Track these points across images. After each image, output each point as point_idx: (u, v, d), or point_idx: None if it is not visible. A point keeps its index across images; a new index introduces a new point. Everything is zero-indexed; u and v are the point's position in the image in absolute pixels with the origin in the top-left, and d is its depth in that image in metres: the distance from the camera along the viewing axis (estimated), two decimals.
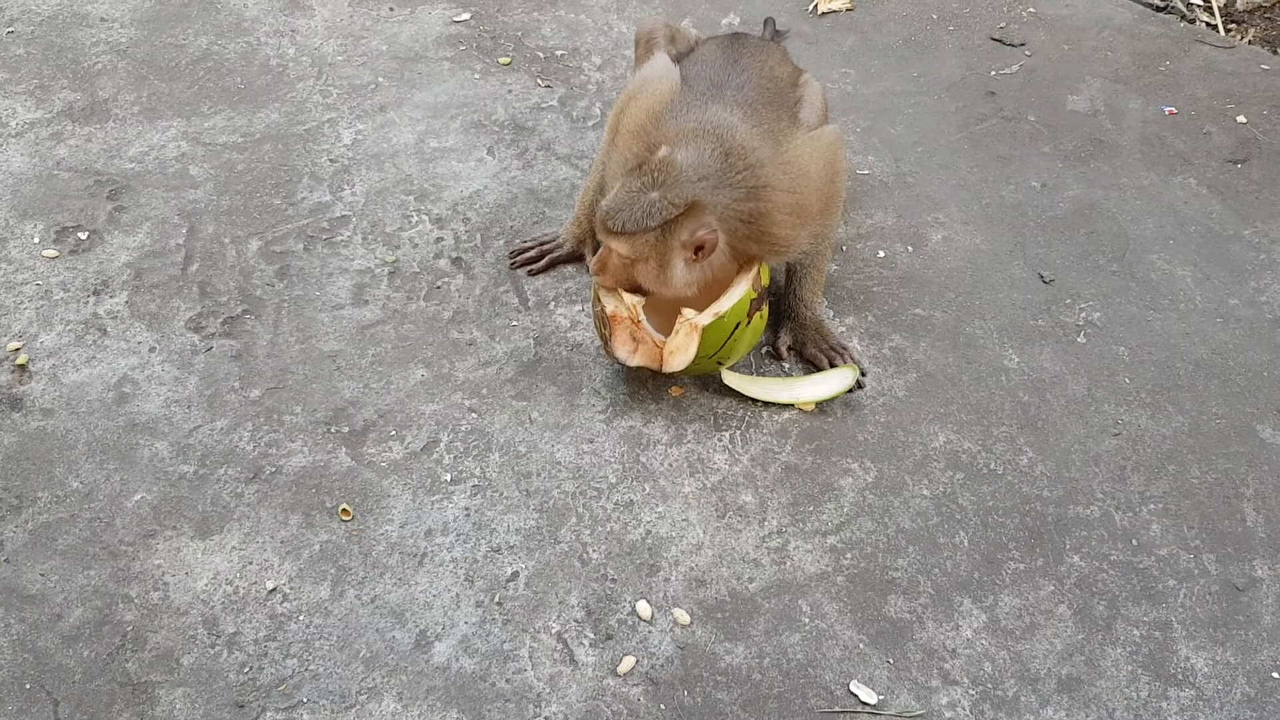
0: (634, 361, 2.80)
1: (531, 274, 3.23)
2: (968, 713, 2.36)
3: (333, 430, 2.82)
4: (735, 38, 3.17)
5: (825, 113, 3.10)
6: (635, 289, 2.78)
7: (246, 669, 2.40)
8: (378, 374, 2.96)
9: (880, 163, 3.62)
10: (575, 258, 3.25)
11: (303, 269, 3.22)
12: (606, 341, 2.81)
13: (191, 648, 2.43)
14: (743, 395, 2.91)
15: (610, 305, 2.77)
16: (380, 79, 3.88)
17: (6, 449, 2.77)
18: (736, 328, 2.74)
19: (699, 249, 2.65)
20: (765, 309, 2.87)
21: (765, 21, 3.54)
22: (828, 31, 4.18)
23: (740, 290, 2.75)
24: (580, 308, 3.14)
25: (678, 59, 3.10)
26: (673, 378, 2.92)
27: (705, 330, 2.71)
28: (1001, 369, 3.00)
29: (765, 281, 2.84)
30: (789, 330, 3.06)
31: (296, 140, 3.63)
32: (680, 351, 2.75)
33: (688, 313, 2.73)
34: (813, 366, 3.00)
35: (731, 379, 2.90)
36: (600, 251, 2.75)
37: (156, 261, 3.24)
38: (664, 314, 2.81)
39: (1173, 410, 2.92)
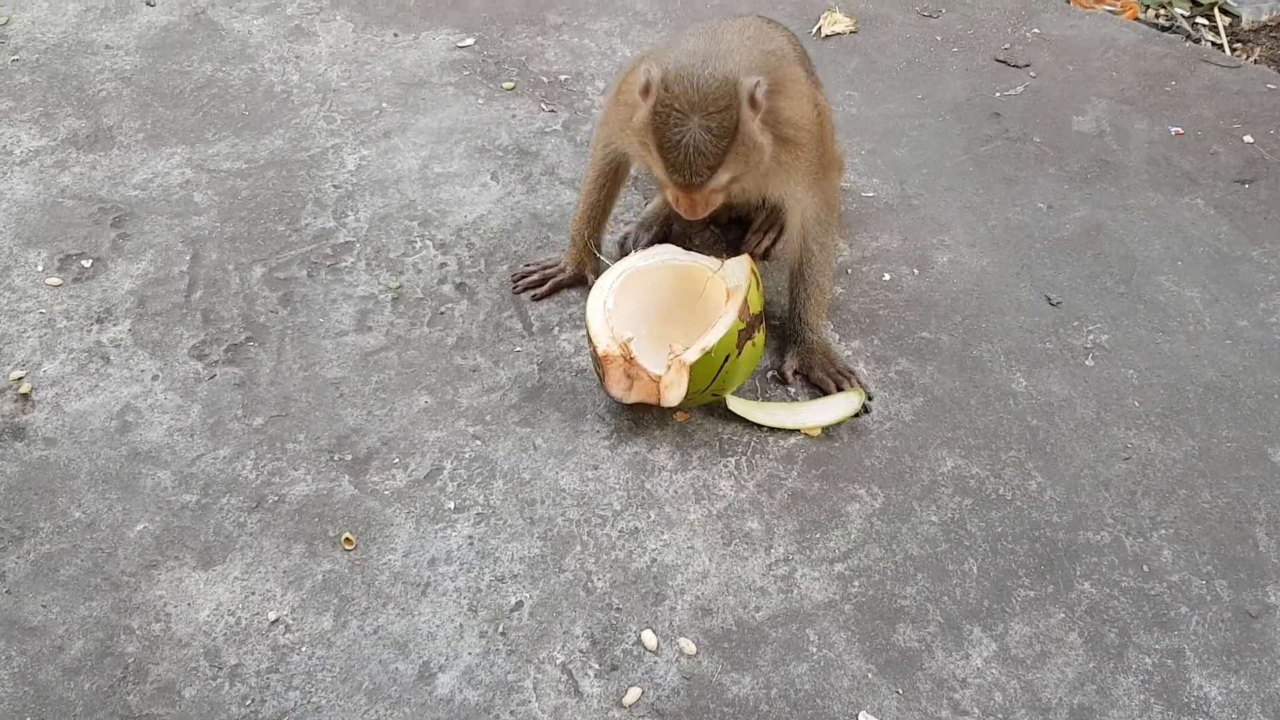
0: (630, 399, 2.80)
1: (535, 299, 3.22)
2: None
3: (336, 458, 2.81)
4: (713, 24, 3.00)
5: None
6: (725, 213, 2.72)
7: (248, 701, 2.38)
8: (381, 401, 2.94)
9: (885, 185, 3.61)
10: (578, 281, 3.24)
11: (306, 295, 3.21)
12: (602, 380, 2.81)
13: (193, 680, 2.41)
14: (748, 421, 2.89)
15: (602, 345, 2.76)
16: (384, 105, 3.89)
17: (9, 479, 2.76)
18: (726, 360, 2.74)
19: (756, 105, 2.53)
20: (760, 335, 2.85)
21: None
22: (831, 54, 4.18)
23: (727, 322, 2.74)
24: (583, 333, 3.12)
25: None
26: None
27: (694, 366, 2.70)
28: (1009, 392, 2.98)
29: (756, 309, 2.82)
30: (795, 354, 3.04)
31: (300, 166, 3.63)
32: (673, 387, 2.74)
33: (676, 348, 2.71)
34: (819, 391, 2.98)
35: (737, 405, 2.89)
36: (686, 200, 2.60)
37: (160, 289, 3.24)
38: (656, 349, 2.82)
39: (1183, 434, 2.89)
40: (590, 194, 3.11)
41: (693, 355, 2.71)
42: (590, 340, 2.78)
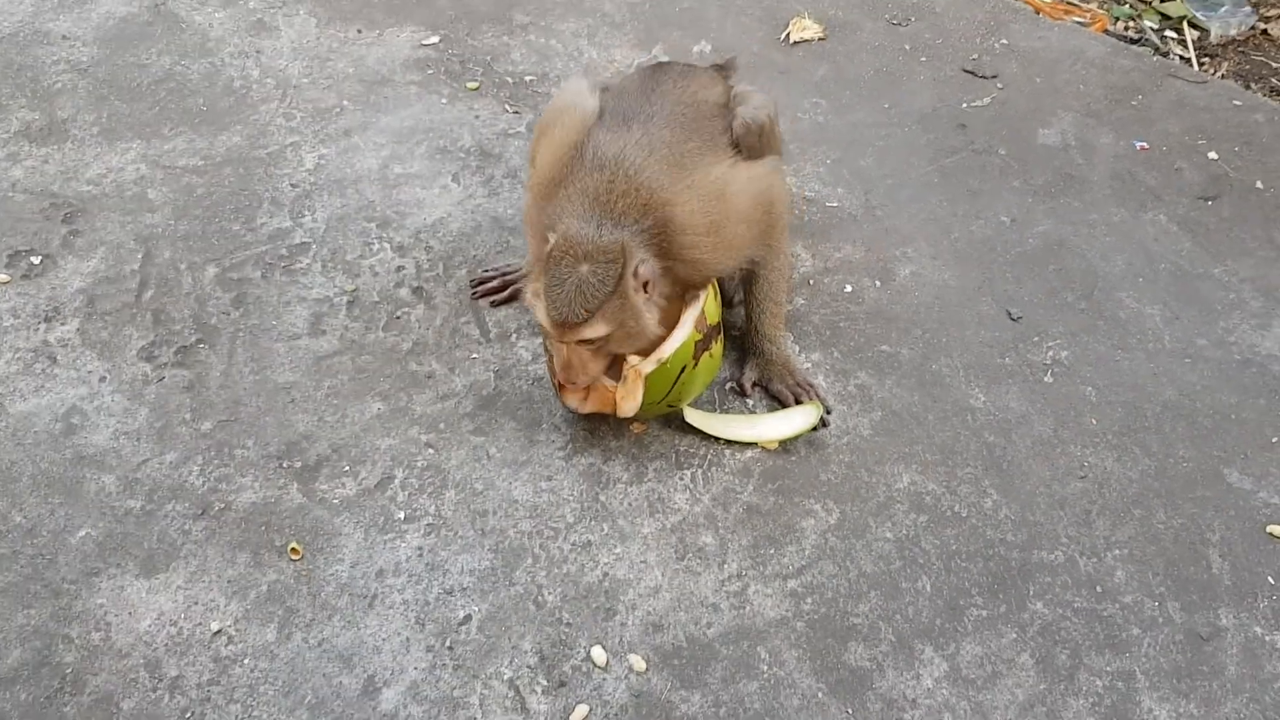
0: (586, 409, 2.78)
1: (494, 305, 3.19)
2: None
3: (284, 465, 2.77)
4: (659, 66, 3.10)
5: (773, 125, 3.02)
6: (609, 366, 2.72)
7: (188, 715, 2.34)
8: (333, 407, 2.91)
9: (850, 195, 3.60)
10: None
11: (260, 297, 3.17)
12: (559, 390, 2.78)
13: (132, 691, 2.37)
14: (705, 433, 2.88)
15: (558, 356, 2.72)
16: (345, 102, 3.84)
17: None
18: (682, 372, 2.72)
19: (645, 285, 2.62)
20: (717, 347, 2.83)
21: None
22: (800, 61, 4.17)
23: (683, 334, 2.72)
24: (540, 340, 3.09)
25: (604, 87, 3.02)
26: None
27: (650, 377, 2.68)
28: (967, 408, 2.98)
29: (714, 319, 2.80)
30: (754, 366, 3.03)
31: (258, 164, 3.59)
32: (629, 397, 2.72)
33: (633, 359, 2.69)
34: (777, 403, 2.97)
35: (694, 417, 2.87)
36: (562, 358, 2.64)
37: (110, 288, 3.18)
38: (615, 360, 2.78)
39: (1139, 453, 2.90)
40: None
41: (648, 366, 2.69)
42: (545, 351, 2.75)
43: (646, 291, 2.62)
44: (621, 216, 2.61)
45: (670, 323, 2.73)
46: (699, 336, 2.74)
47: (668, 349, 2.70)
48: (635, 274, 2.58)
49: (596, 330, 2.58)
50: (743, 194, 2.81)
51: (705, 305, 2.78)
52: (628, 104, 2.87)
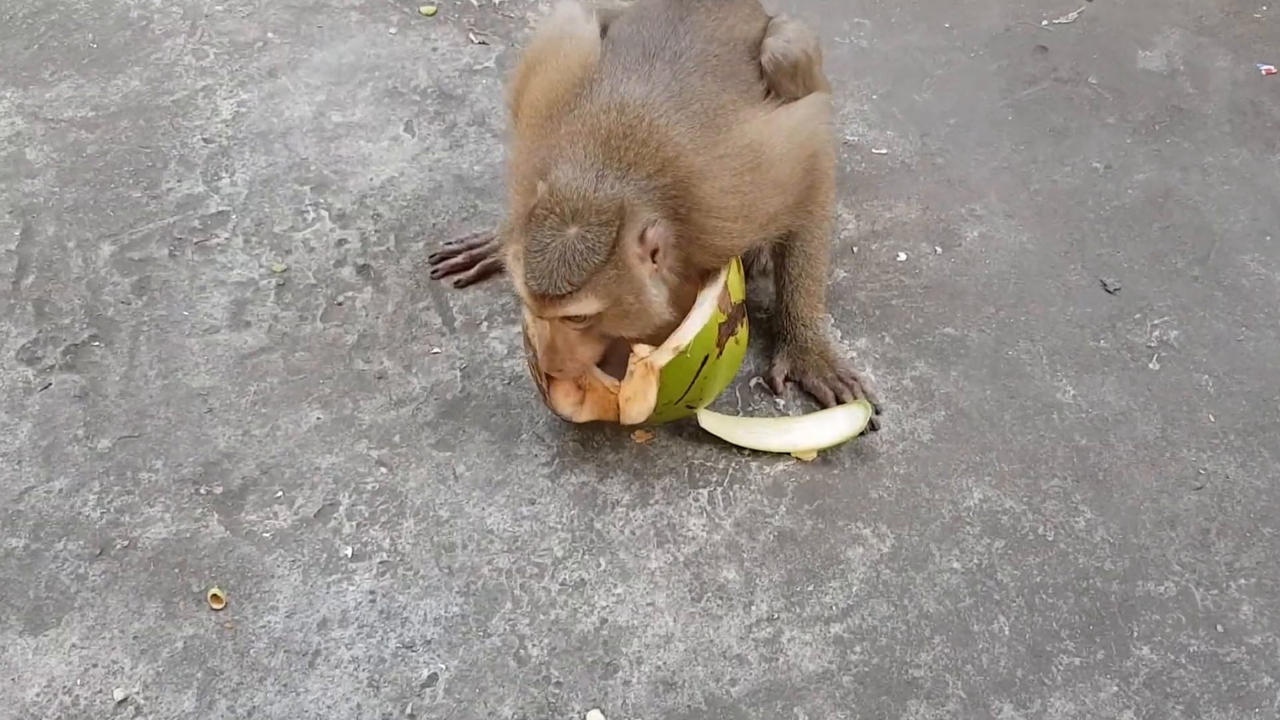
0: (582, 416, 2.78)
1: (459, 285, 3.20)
2: None
3: (202, 491, 2.78)
4: None
5: (812, 64, 3.02)
6: (604, 356, 2.73)
7: None
8: (261, 417, 2.92)
9: (902, 139, 3.60)
10: None
11: (167, 281, 3.18)
12: (545, 394, 2.78)
13: None
14: (725, 441, 2.88)
15: None
16: (270, 34, 3.85)
17: None
18: (705, 363, 2.71)
19: (654, 253, 2.61)
20: (743, 331, 2.83)
21: None
22: None
23: (704, 313, 2.71)
24: (518, 328, 3.10)
25: (605, 17, 2.99)
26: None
27: (665, 371, 2.67)
28: (1053, 405, 2.98)
29: (738, 297, 2.80)
30: (785, 356, 3.03)
31: (162, 115, 3.60)
32: (638, 399, 2.71)
33: (641, 350, 2.69)
34: (814, 402, 2.97)
35: (710, 421, 2.87)
36: (545, 340, 2.65)
37: None
38: (615, 352, 2.78)
39: (1269, 456, 2.89)
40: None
41: (663, 357, 2.68)
42: (529, 341, 2.75)
43: (654, 261, 2.62)
44: (630, 168, 2.60)
45: (682, 306, 2.73)
46: (723, 318, 2.74)
47: (687, 334, 2.69)
48: (641, 239, 2.58)
49: (584, 306, 2.58)
50: (783, 159, 2.80)
51: (728, 279, 2.78)
52: (649, 35, 2.84)
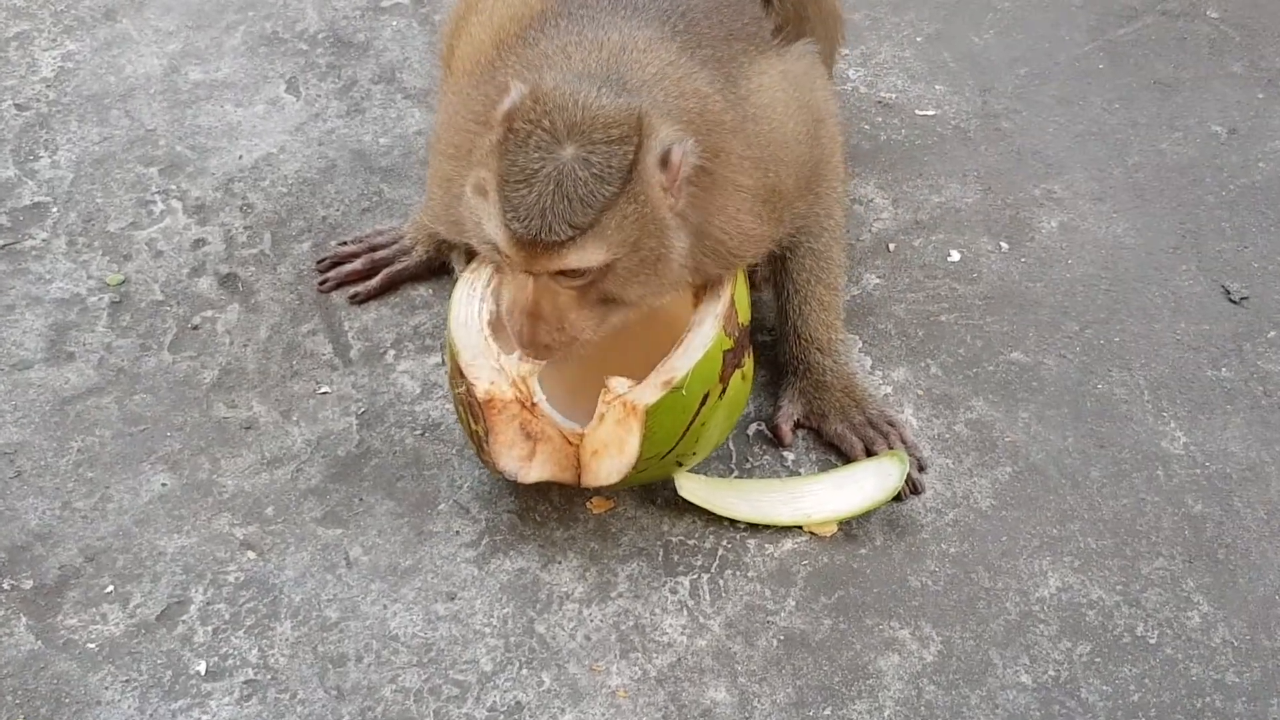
0: (532, 476, 2.73)
1: (356, 301, 3.19)
2: None
3: (5, 586, 2.75)
4: None
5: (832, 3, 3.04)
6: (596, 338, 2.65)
7: None
8: (86, 484, 2.89)
9: (956, 97, 3.60)
10: (431, 269, 3.21)
11: None
12: (481, 444, 2.73)
13: None
14: (714, 512, 2.85)
15: (482, 382, 2.69)
16: None
17: None
18: (703, 403, 2.68)
19: (675, 182, 2.53)
20: (749, 363, 2.81)
21: None
22: None
23: (705, 337, 2.69)
24: (438, 359, 3.07)
25: None
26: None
27: (652, 413, 2.64)
28: (1158, 457, 2.95)
29: (745, 318, 2.78)
30: (796, 394, 3.02)
31: None
32: (610, 451, 2.68)
33: (616, 384, 2.65)
34: (836, 455, 2.96)
35: (692, 487, 2.84)
36: (525, 301, 2.55)
37: None
38: (577, 385, 2.76)
39: None
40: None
41: (649, 395, 2.64)
42: (457, 373, 2.72)
43: (673, 195, 2.53)
44: (647, 84, 2.56)
45: (670, 323, 2.73)
46: (729, 344, 2.71)
47: (682, 364, 2.67)
48: (664, 162, 2.49)
49: (589, 256, 2.48)
50: (795, 127, 2.81)
51: (734, 293, 2.76)
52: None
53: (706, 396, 2.68)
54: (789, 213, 2.83)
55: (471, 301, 2.80)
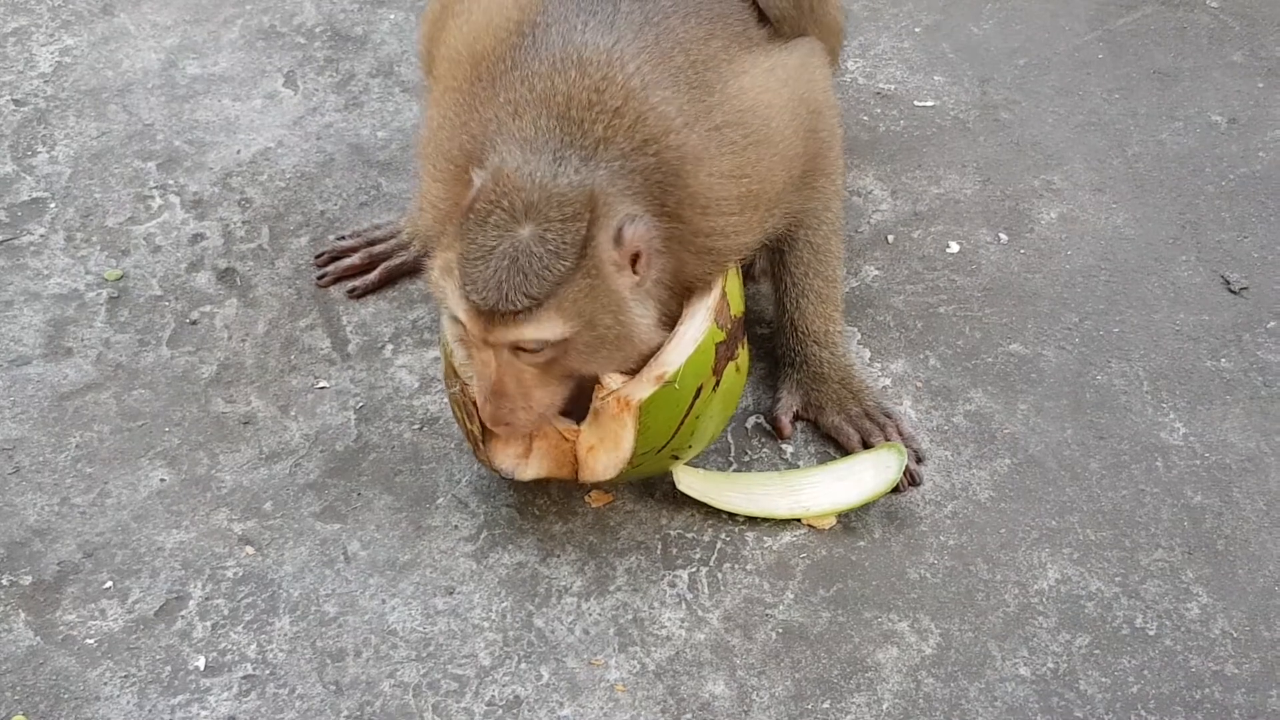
0: (528, 473, 2.74)
1: (355, 295, 3.19)
2: None
3: (4, 582, 2.75)
4: None
5: (833, 17, 3.04)
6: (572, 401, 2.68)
7: None
8: (85, 480, 2.89)
9: (955, 87, 3.58)
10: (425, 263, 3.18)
11: None
12: (478, 443, 2.73)
13: None
14: (712, 506, 2.84)
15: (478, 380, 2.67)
16: None
17: None
18: (697, 396, 2.67)
19: (634, 259, 2.57)
20: (743, 354, 2.81)
21: None
22: None
23: (696, 331, 2.67)
24: (435, 353, 3.07)
25: None
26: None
27: (646, 408, 2.63)
28: (1157, 448, 2.95)
29: (738, 309, 2.77)
30: (794, 386, 3.01)
31: None
32: (606, 447, 2.67)
33: (611, 381, 2.65)
34: (834, 448, 2.95)
35: (691, 481, 2.84)
36: (489, 379, 2.58)
37: None
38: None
39: None
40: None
41: (643, 390, 2.64)
42: (451, 373, 2.72)
43: (636, 271, 2.58)
44: (599, 145, 2.57)
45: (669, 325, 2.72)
46: (721, 336, 2.71)
47: (674, 358, 2.66)
48: (617, 239, 2.53)
49: (545, 329, 2.52)
50: (784, 123, 2.79)
51: (726, 285, 2.76)
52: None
53: (700, 390, 2.68)
54: (781, 208, 2.83)
55: None
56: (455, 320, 2.58)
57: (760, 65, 2.80)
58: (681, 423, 2.68)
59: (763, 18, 2.91)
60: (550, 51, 2.65)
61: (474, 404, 2.65)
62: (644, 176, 2.57)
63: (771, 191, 2.76)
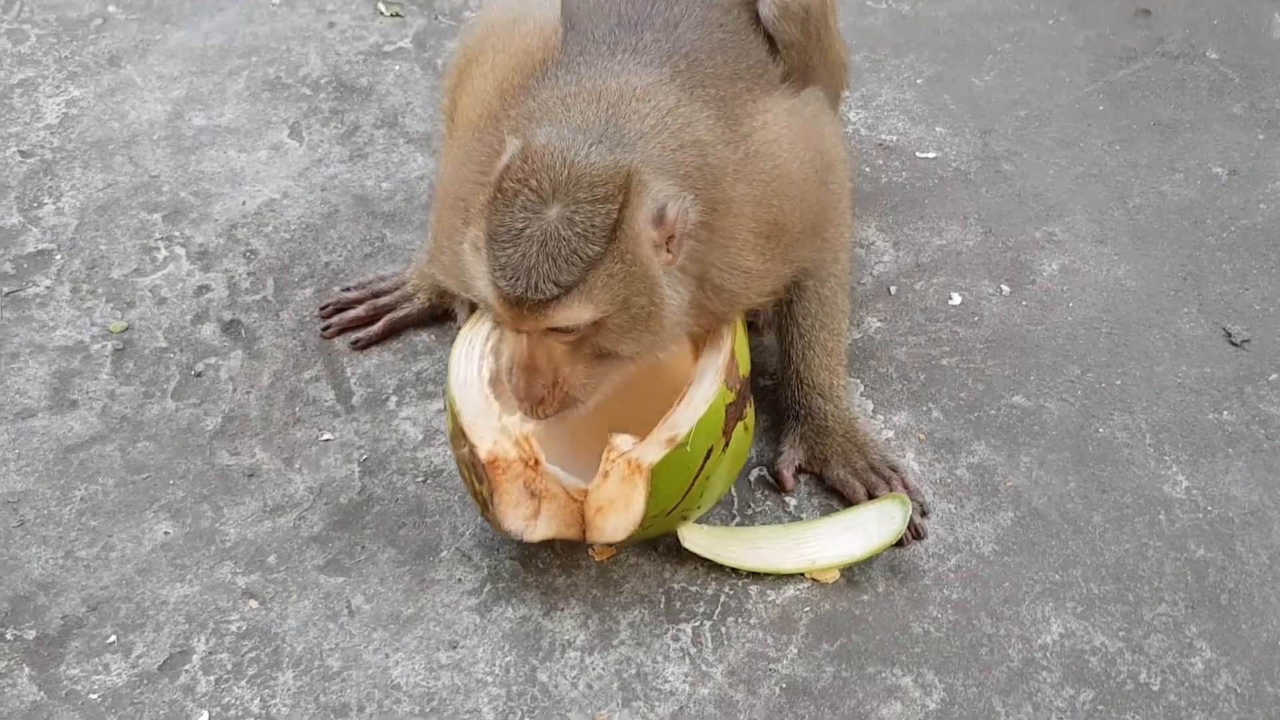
0: (537, 534, 2.72)
1: (358, 347, 3.19)
2: None
3: (8, 636, 2.74)
4: None
5: (826, 11, 3.03)
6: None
7: None
8: (89, 533, 2.88)
9: (956, 139, 3.59)
10: (434, 317, 3.21)
11: None
12: (486, 504, 2.72)
13: None
14: (714, 560, 2.84)
15: (485, 442, 2.67)
16: (111, 8, 3.86)
17: None
18: (708, 458, 2.67)
19: (669, 240, 2.54)
20: (750, 413, 2.81)
21: None
22: None
23: (707, 391, 2.68)
24: (439, 404, 3.06)
25: None
26: None
27: (657, 471, 2.63)
28: (1160, 502, 2.94)
29: (745, 368, 2.77)
30: (798, 439, 3.01)
31: None
32: (616, 508, 2.66)
33: (620, 441, 2.65)
34: (838, 500, 2.95)
35: (695, 536, 2.84)
36: (521, 355, 2.57)
37: None
38: (580, 439, 2.75)
39: None
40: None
41: (654, 452, 2.63)
42: (459, 434, 2.72)
43: (670, 251, 2.55)
44: (643, 138, 2.57)
45: (669, 375, 2.73)
46: (731, 397, 2.71)
47: (684, 419, 2.66)
48: (659, 219, 2.50)
49: (576, 314, 2.49)
50: (797, 147, 2.80)
51: (734, 345, 2.75)
52: (625, 4, 2.83)
53: (710, 451, 2.67)
54: (795, 254, 2.83)
55: (471, 360, 2.79)
56: (484, 301, 2.56)
57: (780, 107, 2.82)
58: (692, 484, 2.68)
59: (774, 51, 2.93)
60: (576, 84, 2.68)
61: (483, 466, 2.64)
62: (684, 174, 2.57)
63: (791, 232, 2.77)
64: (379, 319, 3.19)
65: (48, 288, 3.27)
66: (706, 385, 2.69)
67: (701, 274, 2.63)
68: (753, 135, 2.73)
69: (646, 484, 2.62)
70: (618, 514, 2.66)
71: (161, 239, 3.36)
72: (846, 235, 2.97)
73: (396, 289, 3.21)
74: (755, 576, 2.84)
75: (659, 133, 2.57)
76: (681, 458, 2.63)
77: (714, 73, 2.76)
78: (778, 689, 2.68)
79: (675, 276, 2.56)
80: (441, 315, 3.20)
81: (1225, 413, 3.10)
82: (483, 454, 2.65)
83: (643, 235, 2.49)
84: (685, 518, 2.77)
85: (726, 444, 2.71)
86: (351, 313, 3.20)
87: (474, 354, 2.80)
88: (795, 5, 2.92)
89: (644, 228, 2.49)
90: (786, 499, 2.97)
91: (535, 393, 2.54)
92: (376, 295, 3.21)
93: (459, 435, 2.70)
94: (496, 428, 2.68)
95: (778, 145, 2.76)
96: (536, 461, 2.66)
